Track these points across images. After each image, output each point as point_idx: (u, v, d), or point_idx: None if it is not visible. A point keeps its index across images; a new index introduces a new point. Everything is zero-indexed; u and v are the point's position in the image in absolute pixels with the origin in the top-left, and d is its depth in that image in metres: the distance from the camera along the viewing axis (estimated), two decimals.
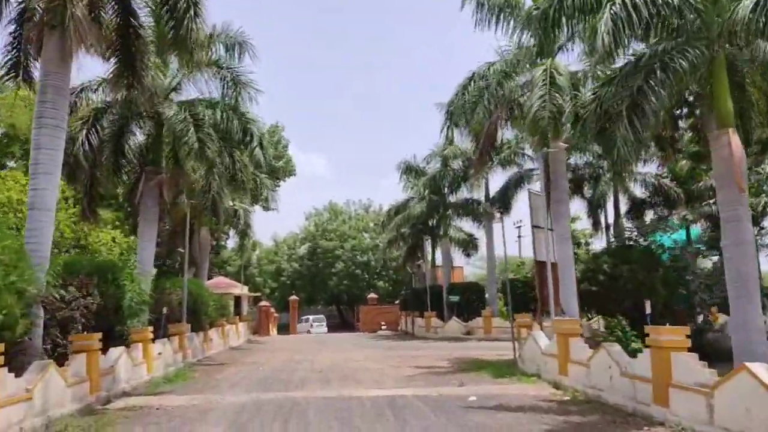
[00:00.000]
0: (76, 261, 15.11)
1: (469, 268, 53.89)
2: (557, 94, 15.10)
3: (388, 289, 54.49)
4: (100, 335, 12.18)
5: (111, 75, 14.39)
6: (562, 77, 15.39)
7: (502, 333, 28.46)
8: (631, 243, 22.44)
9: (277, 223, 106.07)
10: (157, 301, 20.06)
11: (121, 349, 13.58)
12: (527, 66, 17.19)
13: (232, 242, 53.71)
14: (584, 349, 12.24)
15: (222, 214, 18.99)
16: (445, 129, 20.28)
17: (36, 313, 10.91)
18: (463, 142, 31.83)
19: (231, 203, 25.01)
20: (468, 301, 31.17)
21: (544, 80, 15.27)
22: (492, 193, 31.95)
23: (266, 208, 38.66)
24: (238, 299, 41.28)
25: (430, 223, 36.60)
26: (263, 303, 43.14)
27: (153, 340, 16.59)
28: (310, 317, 47.95)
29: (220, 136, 20.03)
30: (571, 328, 13.03)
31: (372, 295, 48.15)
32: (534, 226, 17.89)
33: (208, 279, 41.97)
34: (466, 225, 36.33)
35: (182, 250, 24.97)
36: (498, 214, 30.65)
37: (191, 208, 19.95)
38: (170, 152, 20.21)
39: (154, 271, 20.31)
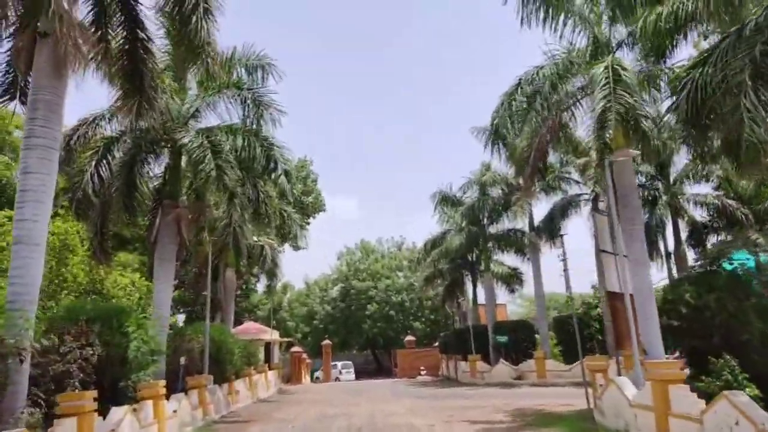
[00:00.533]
0: (79, 306, 13.30)
1: (511, 307, 50.79)
2: (624, 93, 12.90)
3: (425, 331, 51.56)
4: (94, 393, 10.14)
5: (117, 97, 12.87)
6: (628, 73, 13.21)
7: (557, 377, 25.50)
8: (714, 268, 19.57)
9: (309, 266, 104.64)
10: (176, 351, 18.14)
11: (124, 409, 11.48)
12: (582, 67, 15.08)
13: (261, 286, 52.15)
14: (692, 400, 9.61)
15: (244, 250, 17.11)
16: (489, 145, 18.12)
17: (12, 368, 8.99)
18: (503, 165, 29.77)
19: (256, 239, 23.22)
20: (516, 341, 28.28)
21: (606, 78, 13.12)
22: (536, 222, 29.47)
23: (296, 248, 36.90)
24: (268, 345, 39.10)
25: (469, 258, 34.20)
26: (295, 349, 40.85)
27: (167, 396, 14.53)
28: (338, 364, 45.31)
29: (242, 165, 18.42)
30: (671, 373, 10.41)
31: (409, 338, 45.35)
32: (601, 251, 15.43)
33: (237, 324, 40.07)
34: (509, 259, 33.81)
35: (205, 294, 23.19)
36: (543, 243, 28.23)
37: (213, 245, 18.13)
38: (189, 185, 18.66)
39: (180, 317, 18.59)
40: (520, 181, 29.47)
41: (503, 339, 27.91)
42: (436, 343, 43.95)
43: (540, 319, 27.98)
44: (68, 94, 11.21)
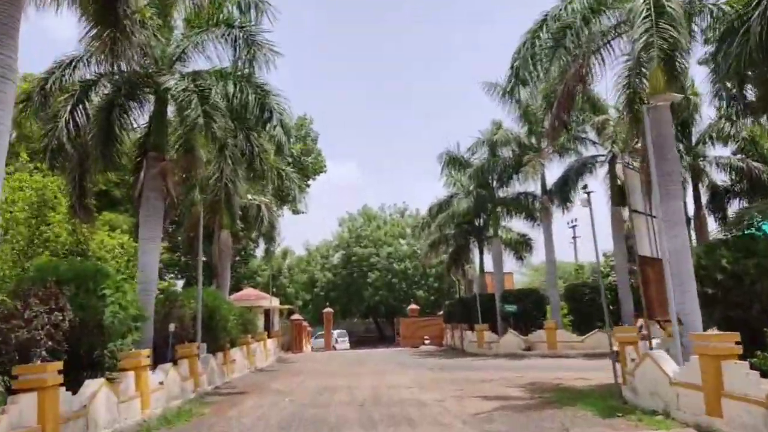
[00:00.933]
0: (51, 266, 11.92)
1: (516, 276, 49.49)
2: (668, 27, 11.17)
3: (428, 300, 50.53)
4: (59, 365, 8.79)
5: (89, 28, 11.18)
6: (673, 3, 11.43)
7: (569, 349, 24.33)
8: (752, 232, 18.07)
9: (310, 231, 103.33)
10: (166, 317, 16.83)
11: (99, 381, 10.18)
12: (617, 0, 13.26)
13: (261, 251, 50.93)
14: (753, 379, 8.22)
15: (238, 209, 15.56)
16: (506, 95, 16.41)
17: None
18: (515, 124, 28.13)
19: (251, 198, 21.64)
20: (525, 311, 27.02)
21: (647, 9, 11.37)
22: (549, 186, 27.89)
23: (295, 211, 35.49)
24: (268, 312, 38.03)
25: (476, 223, 32.74)
26: (296, 316, 39.82)
27: (154, 367, 13.27)
28: (335, 332, 44.31)
29: (233, 115, 16.81)
30: (724, 346, 8.99)
31: (413, 306, 44.28)
32: (632, 211, 13.90)
33: (236, 291, 38.92)
34: (517, 224, 32.38)
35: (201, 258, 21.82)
36: (556, 207, 26.73)
37: (204, 204, 16.61)
38: (178, 138, 17.01)
39: (179, 283, 17.23)
40: (534, 140, 27.92)
41: (512, 308, 26.65)
42: (440, 312, 42.87)
43: (551, 288, 26.69)
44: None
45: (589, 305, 25.49)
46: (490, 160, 28.08)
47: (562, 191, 26.44)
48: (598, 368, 18.23)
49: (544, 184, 27.39)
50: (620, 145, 23.26)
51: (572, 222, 37.11)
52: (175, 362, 15.00)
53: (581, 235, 30.69)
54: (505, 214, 30.91)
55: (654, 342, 13.49)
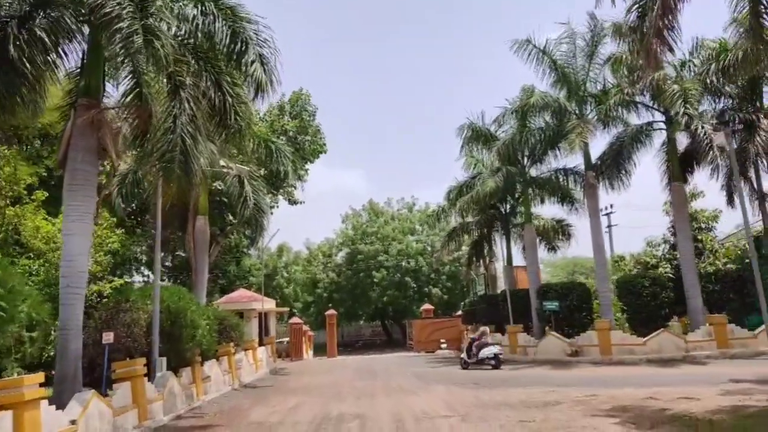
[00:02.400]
0: None
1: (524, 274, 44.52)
2: None
3: (442, 299, 45.96)
4: None
5: None
6: None
7: (628, 353, 19.80)
8: None
9: (312, 235, 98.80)
10: (108, 324, 12.45)
11: None
12: None
13: (255, 250, 46.59)
14: None
15: (196, 174, 11.02)
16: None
17: None
18: (548, 88, 23.66)
19: (225, 166, 17.05)
20: (569, 308, 22.44)
21: None
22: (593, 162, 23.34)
23: (292, 200, 31.08)
24: (263, 316, 33.63)
25: (501, 209, 28.23)
26: (295, 320, 35.31)
27: (57, 399, 8.86)
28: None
29: (196, 51, 12.44)
30: None
31: (426, 306, 39.77)
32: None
33: (227, 292, 34.54)
34: (550, 210, 27.89)
35: (179, 253, 17.45)
36: (607, 184, 22.20)
37: (154, 167, 12.11)
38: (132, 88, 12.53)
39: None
40: (574, 107, 23.36)
41: (553, 305, 22.07)
42: (457, 313, 38.36)
43: (601, 281, 22.05)
44: None
45: (649, 300, 20.93)
46: (522, 131, 23.50)
47: (615, 164, 21.90)
48: (690, 381, 13.75)
49: (588, 158, 22.81)
50: (690, 107, 18.70)
51: (608, 209, 32.20)
52: (109, 387, 10.59)
53: (617, 223, 26.11)
54: (536, 198, 26.39)
55: None
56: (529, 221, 24.85)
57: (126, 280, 20.10)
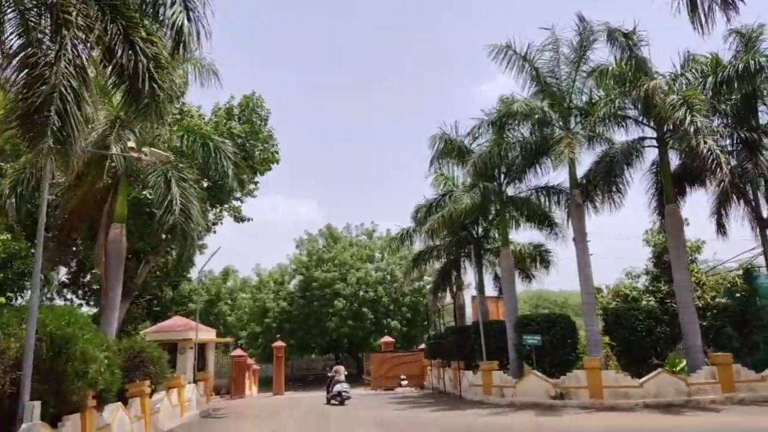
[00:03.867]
0: None
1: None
2: None
3: (402, 332, 42.71)
4: None
5: None
6: None
7: (622, 397, 17.10)
8: None
9: (264, 262, 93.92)
10: None
11: None
12: None
13: (196, 272, 42.46)
14: None
15: (75, 144, 7.70)
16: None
17: None
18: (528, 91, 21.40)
19: (135, 149, 13.48)
20: (552, 344, 19.66)
21: None
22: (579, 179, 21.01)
23: (238, 218, 27.57)
24: (201, 347, 29.60)
25: (473, 232, 25.59)
26: (238, 352, 31.30)
27: None
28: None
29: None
30: None
31: (386, 339, 36.54)
32: None
33: (161, 319, 30.48)
34: (525, 235, 25.43)
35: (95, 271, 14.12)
36: (600, 202, 19.88)
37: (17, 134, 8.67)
38: None
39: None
40: (556, 118, 21.11)
41: (535, 340, 19.23)
42: (421, 346, 35.23)
43: (589, 313, 19.41)
44: None
45: (644, 336, 18.39)
46: (501, 144, 21.01)
47: (606, 182, 19.59)
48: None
49: (573, 175, 20.45)
50: (697, 117, 16.65)
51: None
52: None
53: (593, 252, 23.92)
54: (512, 220, 23.86)
55: None
56: (506, 245, 22.17)
57: (21, 297, 16.14)
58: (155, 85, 10.00)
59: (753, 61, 17.19)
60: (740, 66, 17.53)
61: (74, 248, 23.10)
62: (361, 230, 51.40)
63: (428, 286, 49.51)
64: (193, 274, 38.34)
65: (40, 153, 8.04)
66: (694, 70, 20.08)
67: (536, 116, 20.24)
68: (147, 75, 9.78)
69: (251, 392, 31.61)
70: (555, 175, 22.13)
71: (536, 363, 19.50)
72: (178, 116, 19.74)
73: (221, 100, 23.97)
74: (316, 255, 47.75)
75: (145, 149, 12.51)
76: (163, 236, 16.62)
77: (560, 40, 21.07)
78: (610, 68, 20.04)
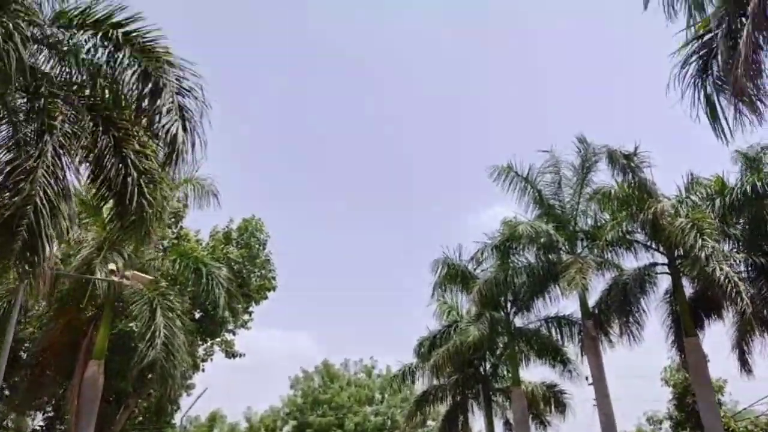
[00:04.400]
0: None
1: None
2: None
3: None
4: None
5: None
6: None
7: None
8: None
9: (257, 402, 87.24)
10: None
11: None
12: None
13: (179, 418, 39.16)
14: None
15: (44, 264, 6.66)
16: None
17: None
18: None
19: (116, 271, 12.30)
20: None
21: None
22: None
23: (230, 353, 25.79)
24: None
25: (480, 369, 23.72)
26: None
27: None
28: None
29: (92, 101, 9.07)
30: None
31: None
32: None
33: None
34: (537, 372, 23.62)
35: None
36: (616, 335, 18.47)
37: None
38: None
39: None
40: (564, 242, 20.45)
41: None
42: None
43: None
44: None
45: None
46: (506, 270, 20.14)
47: (622, 312, 18.32)
48: None
49: (585, 304, 19.30)
50: (708, 241, 16.00)
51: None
52: None
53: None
54: (520, 354, 22.17)
55: None
56: (517, 384, 20.25)
57: None
58: (144, 201, 9.34)
59: (759, 183, 16.94)
60: (747, 188, 17.27)
61: (50, 388, 21.08)
62: (359, 367, 48.67)
63: None
64: (178, 419, 35.34)
65: (2, 271, 7.11)
66: (698, 193, 19.81)
67: (542, 240, 19.56)
68: (136, 190, 9.18)
69: None
70: (565, 304, 20.95)
71: None
72: (175, 240, 19.14)
73: (220, 223, 23.65)
74: (312, 396, 44.63)
75: (127, 273, 11.59)
76: (147, 375, 14.88)
77: (561, 162, 21.10)
78: (613, 191, 19.85)
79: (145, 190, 9.47)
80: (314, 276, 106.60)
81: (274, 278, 23.37)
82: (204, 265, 15.73)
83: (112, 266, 10.75)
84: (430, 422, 43.65)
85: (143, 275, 11.95)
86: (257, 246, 22.95)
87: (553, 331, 20.91)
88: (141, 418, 31.39)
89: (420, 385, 26.56)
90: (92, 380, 13.91)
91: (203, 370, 26.55)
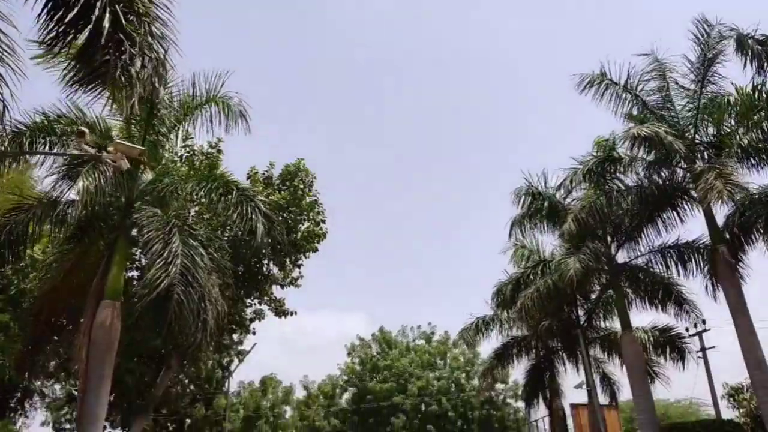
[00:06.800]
0: None
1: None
2: None
3: None
4: None
5: None
6: None
7: None
8: None
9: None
10: None
11: None
12: None
13: (236, 381, 37.28)
14: None
15: None
16: None
17: None
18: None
19: (104, 150, 9.30)
20: None
21: None
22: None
23: (280, 311, 23.04)
24: None
25: (572, 314, 20.11)
26: None
27: None
28: None
29: None
30: None
31: None
32: None
33: None
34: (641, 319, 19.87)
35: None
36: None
37: None
38: None
39: None
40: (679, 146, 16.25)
41: None
42: None
43: None
44: None
45: None
46: (612, 191, 16.21)
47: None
48: None
49: (715, 225, 15.24)
50: None
51: (699, 326, 22.77)
52: None
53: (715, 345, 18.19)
54: (623, 299, 18.31)
55: None
56: (628, 327, 16.52)
57: None
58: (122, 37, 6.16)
59: None
60: None
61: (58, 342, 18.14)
62: (418, 333, 45.81)
63: (501, 396, 42.78)
64: (233, 387, 33.36)
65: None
66: None
67: (655, 153, 15.60)
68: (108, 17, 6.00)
69: None
70: (681, 231, 16.86)
71: None
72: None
73: (260, 168, 20.65)
74: (370, 363, 42.17)
75: (110, 147, 8.51)
76: (176, 327, 11.97)
77: (666, 67, 17.01)
78: (730, 98, 15.73)
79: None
80: (363, 246, 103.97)
81: (323, 221, 20.22)
82: (236, 186, 12.66)
83: (84, 133, 7.70)
84: (498, 385, 40.65)
85: (129, 144, 8.73)
86: (302, 187, 19.84)
87: (669, 263, 16.92)
88: (191, 387, 29.45)
89: (494, 343, 23.16)
90: (105, 325, 11.13)
91: (254, 333, 24.07)
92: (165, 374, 19.37)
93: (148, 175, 13.72)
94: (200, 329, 11.41)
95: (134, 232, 12.91)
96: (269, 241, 13.64)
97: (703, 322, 18.35)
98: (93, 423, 10.61)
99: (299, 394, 42.58)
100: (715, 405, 22.03)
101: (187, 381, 29.41)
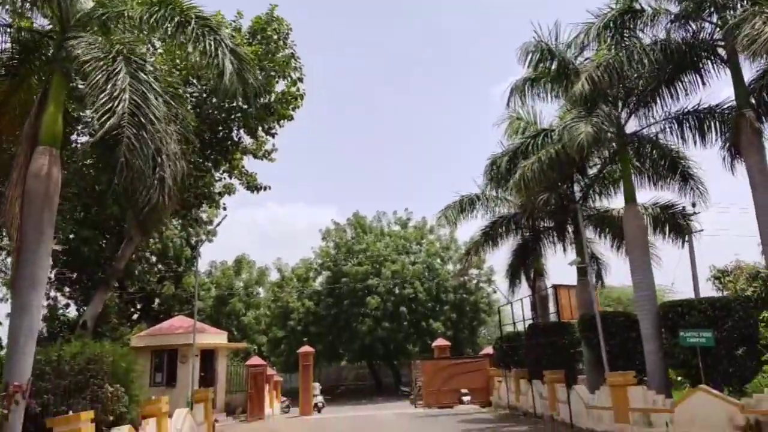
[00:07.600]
0: None
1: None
2: None
3: (445, 335, 35.77)
4: None
5: None
6: None
7: None
8: None
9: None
10: None
11: None
12: None
13: (205, 261, 36.47)
14: None
15: None
16: None
17: None
18: None
19: None
20: (726, 345, 12.78)
21: None
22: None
23: (252, 185, 21.19)
24: (209, 354, 23.40)
25: (567, 188, 18.90)
26: (254, 360, 24.88)
27: None
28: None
29: None
30: None
31: (441, 342, 29.92)
32: None
33: (163, 318, 24.54)
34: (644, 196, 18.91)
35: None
36: None
37: None
38: None
39: None
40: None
41: (702, 338, 12.41)
42: (484, 351, 28.57)
43: None
44: None
45: None
46: (629, 49, 14.19)
47: None
48: None
49: (743, 86, 13.59)
50: None
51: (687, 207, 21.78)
52: None
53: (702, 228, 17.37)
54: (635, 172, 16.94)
55: None
56: (632, 200, 15.34)
57: None
58: None
59: None
60: None
61: None
62: (394, 218, 45.03)
63: (475, 281, 43.18)
64: (204, 267, 32.28)
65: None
66: None
67: (684, 2, 13.47)
68: None
69: (272, 410, 25.18)
70: (702, 95, 15.22)
71: (704, 372, 12.63)
72: None
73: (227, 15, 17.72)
74: (345, 247, 41.52)
75: None
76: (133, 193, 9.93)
77: None
78: None
79: None
80: (337, 135, 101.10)
81: (301, 80, 17.77)
82: (195, 14, 10.19)
83: None
84: (473, 270, 40.76)
85: None
86: (275, 38, 17.16)
87: (686, 132, 15.38)
88: (160, 265, 28.17)
89: (478, 223, 22.09)
90: (41, 174, 9.12)
91: (224, 208, 22.35)
92: (127, 246, 17.71)
93: (89, 3, 11.13)
94: (156, 187, 9.49)
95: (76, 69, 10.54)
96: (241, 89, 11.36)
97: (693, 205, 17.35)
98: (32, 287, 8.93)
99: (273, 277, 42.13)
100: (696, 288, 21.82)
101: (154, 259, 28.08)
